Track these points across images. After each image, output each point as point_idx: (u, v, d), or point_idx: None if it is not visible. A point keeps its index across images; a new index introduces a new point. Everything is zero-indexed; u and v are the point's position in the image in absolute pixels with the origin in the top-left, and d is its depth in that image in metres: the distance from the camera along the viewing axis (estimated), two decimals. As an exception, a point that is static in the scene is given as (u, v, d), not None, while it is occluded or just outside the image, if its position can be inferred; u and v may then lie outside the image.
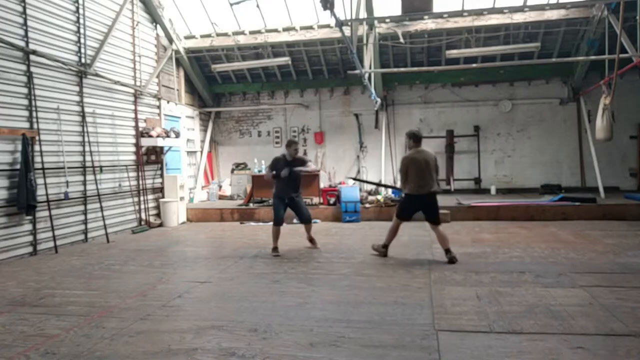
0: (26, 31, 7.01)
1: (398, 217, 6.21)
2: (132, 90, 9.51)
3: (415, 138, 6.11)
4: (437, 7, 10.39)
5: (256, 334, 3.57)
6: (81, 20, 8.11)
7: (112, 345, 3.43)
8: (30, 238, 7.01)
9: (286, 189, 6.72)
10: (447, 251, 5.83)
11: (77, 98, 8.06)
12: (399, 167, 6.16)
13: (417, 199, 5.98)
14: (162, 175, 10.43)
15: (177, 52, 11.50)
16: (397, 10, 10.70)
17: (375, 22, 10.42)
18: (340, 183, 11.74)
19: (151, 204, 9.95)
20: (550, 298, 4.24)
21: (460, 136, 12.40)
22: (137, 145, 9.54)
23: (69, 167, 7.73)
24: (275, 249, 6.65)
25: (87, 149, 8.15)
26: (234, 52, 12.21)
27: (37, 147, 7.08)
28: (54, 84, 7.55)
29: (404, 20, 10.89)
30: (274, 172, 6.69)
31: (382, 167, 12.35)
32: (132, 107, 9.55)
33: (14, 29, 6.84)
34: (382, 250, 6.30)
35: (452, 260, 5.72)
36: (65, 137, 7.70)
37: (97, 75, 8.38)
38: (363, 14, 8.85)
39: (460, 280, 4.98)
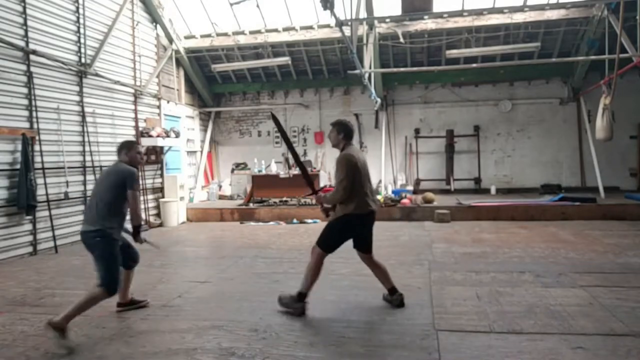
0: (26, 31, 7.01)
1: (326, 250, 3.99)
2: (132, 90, 9.50)
3: (347, 131, 4.15)
4: (437, 7, 10.41)
5: (256, 334, 3.57)
6: (81, 20, 8.10)
7: (112, 345, 3.43)
8: (30, 238, 7.00)
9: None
10: (393, 291, 4.16)
11: (77, 98, 8.05)
12: (336, 169, 3.99)
13: (362, 220, 4.02)
14: (162, 175, 10.43)
15: (177, 52, 11.50)
16: (397, 10, 10.72)
17: (375, 22, 10.42)
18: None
19: (151, 204, 9.95)
20: (550, 298, 4.24)
21: (460, 136, 12.40)
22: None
23: (69, 167, 7.73)
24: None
25: (87, 149, 8.15)
26: (234, 52, 12.21)
27: (37, 147, 7.07)
28: (54, 84, 7.55)
29: (404, 20, 10.89)
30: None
31: (382, 167, 12.34)
32: (132, 107, 9.55)
33: (14, 29, 6.84)
34: (298, 306, 3.98)
35: (400, 303, 4.09)
36: (65, 137, 7.70)
37: (97, 75, 8.38)
38: (363, 14, 8.84)
39: (460, 280, 4.98)
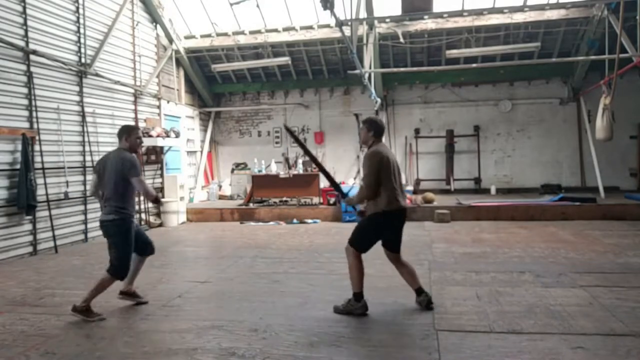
0: (26, 31, 7.01)
1: (360, 250, 4.03)
2: (132, 90, 9.50)
3: (377, 128, 4.12)
4: (437, 7, 10.41)
5: (256, 334, 3.57)
6: (81, 20, 8.10)
7: (112, 345, 3.43)
8: (30, 238, 7.00)
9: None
10: (420, 292, 4.10)
11: (77, 98, 8.05)
12: (364, 165, 4.05)
13: (393, 218, 4.00)
14: (162, 175, 10.43)
15: (177, 52, 11.50)
16: (397, 10, 10.72)
17: (375, 22, 10.43)
18: (340, 183, 11.74)
19: (151, 204, 9.94)
20: (550, 298, 4.24)
21: (460, 136, 12.40)
22: (137, 145, 9.53)
23: (69, 167, 7.72)
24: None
25: (87, 149, 8.15)
26: (234, 52, 12.21)
27: (37, 147, 7.07)
28: (54, 84, 7.55)
29: (404, 20, 10.90)
30: None
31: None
32: (132, 107, 9.55)
33: (14, 29, 6.84)
34: (359, 305, 3.99)
35: (428, 305, 4.01)
36: (65, 137, 7.70)
37: (97, 75, 8.38)
38: (363, 14, 8.86)
39: (460, 280, 4.98)
